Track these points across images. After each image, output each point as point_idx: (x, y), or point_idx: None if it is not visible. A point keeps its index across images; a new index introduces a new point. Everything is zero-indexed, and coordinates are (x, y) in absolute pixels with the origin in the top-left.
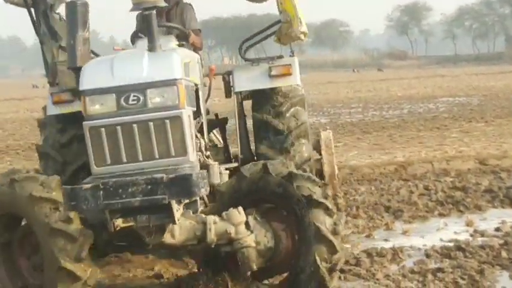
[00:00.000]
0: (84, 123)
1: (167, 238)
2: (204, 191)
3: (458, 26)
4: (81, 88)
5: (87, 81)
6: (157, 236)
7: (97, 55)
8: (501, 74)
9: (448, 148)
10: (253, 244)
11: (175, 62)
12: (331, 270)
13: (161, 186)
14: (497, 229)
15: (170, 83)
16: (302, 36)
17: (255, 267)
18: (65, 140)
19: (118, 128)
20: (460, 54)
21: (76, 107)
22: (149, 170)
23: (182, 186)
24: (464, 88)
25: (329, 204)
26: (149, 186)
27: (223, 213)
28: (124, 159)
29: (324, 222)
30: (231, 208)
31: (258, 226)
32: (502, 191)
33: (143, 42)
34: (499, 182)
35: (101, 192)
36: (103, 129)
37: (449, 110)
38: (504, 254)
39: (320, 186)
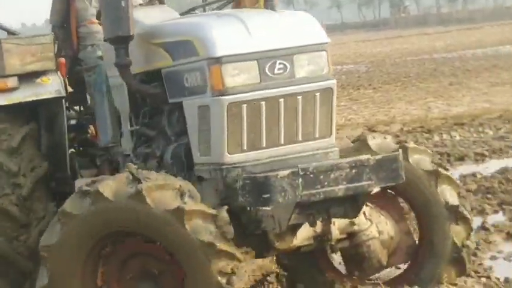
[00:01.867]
0: (220, 98)
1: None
2: (404, 176)
3: None
4: (216, 54)
5: (223, 45)
6: (288, 239)
7: (14, 33)
8: (387, 39)
9: (337, 116)
10: (377, 235)
11: (317, 23)
12: None
13: (366, 171)
14: None
15: (320, 47)
16: None
17: (384, 262)
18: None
19: (263, 103)
20: (346, 22)
21: (21, 96)
22: (292, 156)
23: (390, 169)
24: (352, 55)
25: (471, 220)
26: (353, 171)
27: None
28: (264, 144)
29: (464, 241)
30: None
31: (375, 214)
32: None
33: (149, 9)
34: None
35: (300, 180)
36: (244, 105)
37: (337, 78)
38: None
39: (458, 192)
